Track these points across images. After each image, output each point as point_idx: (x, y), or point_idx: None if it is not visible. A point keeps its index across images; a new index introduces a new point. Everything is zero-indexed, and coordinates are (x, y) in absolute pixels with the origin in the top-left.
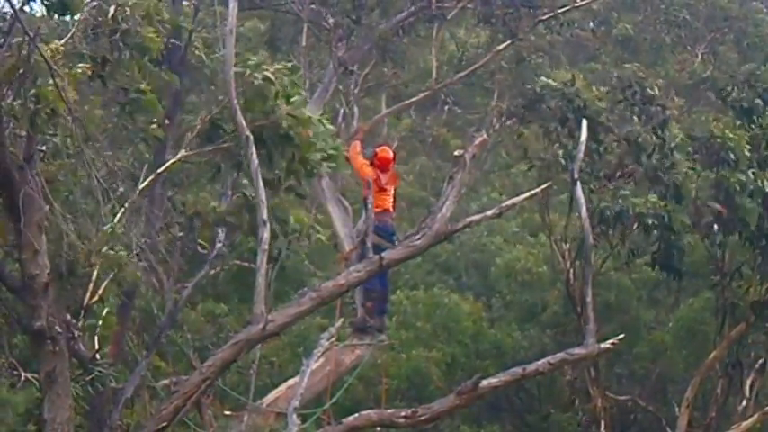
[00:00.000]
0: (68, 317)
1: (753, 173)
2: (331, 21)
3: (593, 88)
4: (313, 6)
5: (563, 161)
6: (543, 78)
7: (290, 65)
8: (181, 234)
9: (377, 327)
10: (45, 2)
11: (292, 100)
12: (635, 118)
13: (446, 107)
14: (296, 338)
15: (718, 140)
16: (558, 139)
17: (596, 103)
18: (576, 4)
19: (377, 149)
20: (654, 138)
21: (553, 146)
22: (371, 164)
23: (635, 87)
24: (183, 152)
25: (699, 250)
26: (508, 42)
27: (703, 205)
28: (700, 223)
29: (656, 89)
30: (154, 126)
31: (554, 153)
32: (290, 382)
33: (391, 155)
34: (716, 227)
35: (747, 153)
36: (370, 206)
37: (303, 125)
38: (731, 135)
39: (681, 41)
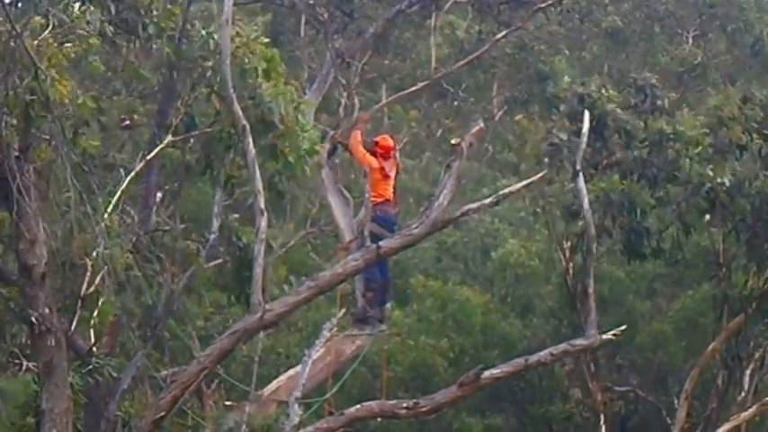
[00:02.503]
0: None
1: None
2: (325, 14)
3: (604, 90)
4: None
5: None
6: (566, 79)
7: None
8: (183, 226)
9: (377, 317)
10: None
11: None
12: (642, 123)
13: (455, 102)
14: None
15: (725, 127)
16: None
17: (606, 104)
18: None
19: (377, 138)
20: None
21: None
22: (373, 153)
23: (648, 93)
24: (168, 138)
25: (699, 242)
26: (504, 32)
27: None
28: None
29: (666, 101)
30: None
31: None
32: (291, 372)
33: (392, 142)
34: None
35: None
36: (367, 195)
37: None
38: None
39: (668, 29)
